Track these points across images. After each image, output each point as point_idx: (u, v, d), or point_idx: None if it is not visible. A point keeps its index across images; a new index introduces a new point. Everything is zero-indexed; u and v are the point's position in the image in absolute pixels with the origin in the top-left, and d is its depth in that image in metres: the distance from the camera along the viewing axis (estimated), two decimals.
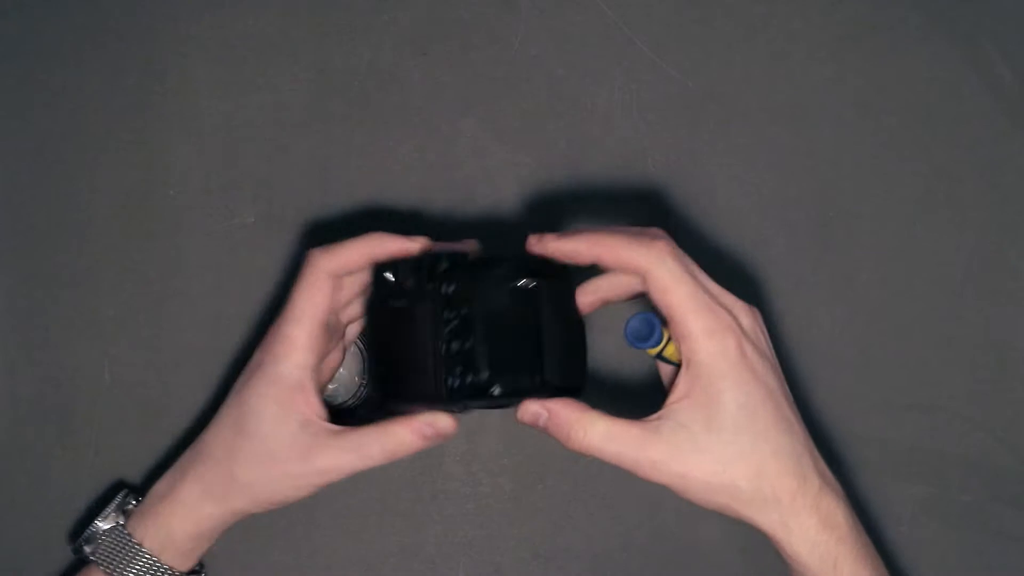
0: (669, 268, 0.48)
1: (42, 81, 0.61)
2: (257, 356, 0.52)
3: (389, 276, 0.52)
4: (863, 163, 0.63)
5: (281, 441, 0.50)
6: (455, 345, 0.52)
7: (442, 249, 0.54)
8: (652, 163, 0.62)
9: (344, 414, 0.58)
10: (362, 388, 0.60)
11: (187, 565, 0.53)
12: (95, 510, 0.56)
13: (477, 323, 0.50)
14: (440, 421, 0.51)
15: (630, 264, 0.49)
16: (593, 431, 0.49)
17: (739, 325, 0.49)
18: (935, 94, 0.63)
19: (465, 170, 0.62)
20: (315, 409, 0.51)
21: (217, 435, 0.52)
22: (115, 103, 0.61)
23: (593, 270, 0.52)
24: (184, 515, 0.51)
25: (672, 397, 0.49)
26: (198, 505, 0.51)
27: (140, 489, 0.56)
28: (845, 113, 0.63)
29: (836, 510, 0.48)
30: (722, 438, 0.48)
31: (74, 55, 0.61)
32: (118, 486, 0.59)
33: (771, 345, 0.51)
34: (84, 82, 0.61)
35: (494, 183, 0.62)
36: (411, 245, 0.52)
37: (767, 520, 0.48)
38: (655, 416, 0.49)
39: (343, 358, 0.56)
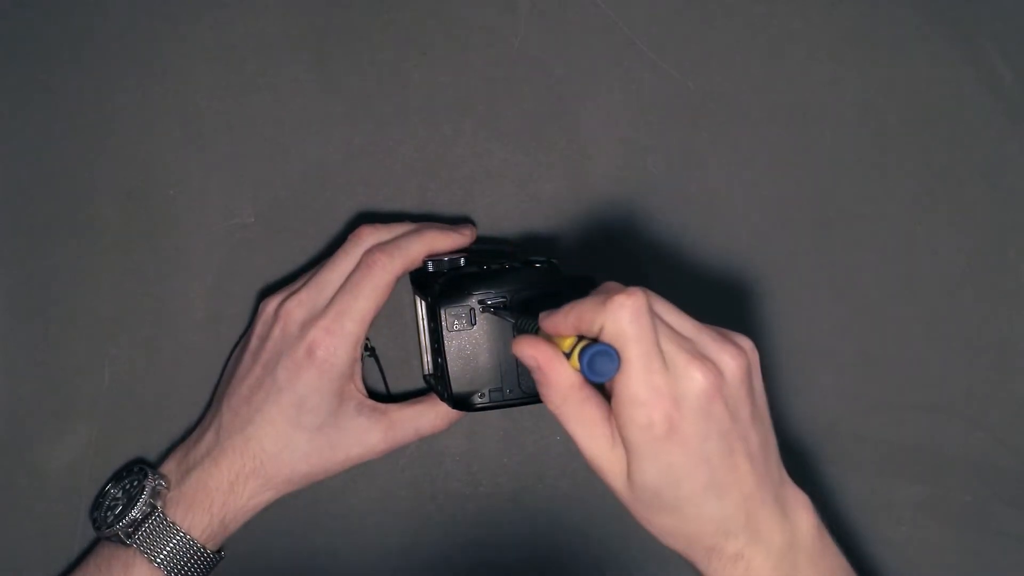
0: (624, 324, 0.44)
1: (42, 81, 0.61)
2: (303, 346, 0.53)
3: (429, 267, 0.55)
4: (863, 163, 0.63)
5: (342, 431, 0.54)
6: (436, 358, 0.54)
7: (438, 252, 0.55)
8: (652, 163, 0.62)
9: None
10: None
11: (219, 545, 0.55)
12: (114, 483, 0.57)
13: (444, 341, 0.51)
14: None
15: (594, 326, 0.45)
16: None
17: (682, 392, 0.44)
18: (935, 94, 0.63)
19: (465, 170, 0.62)
20: (361, 389, 0.56)
21: (267, 429, 0.53)
22: (115, 103, 0.61)
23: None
24: (239, 506, 0.54)
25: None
26: (255, 495, 0.54)
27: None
28: (845, 113, 0.63)
29: (758, 568, 0.46)
30: (642, 495, 0.46)
31: (74, 55, 0.61)
32: (134, 463, 0.59)
33: (753, 392, 0.47)
34: (84, 82, 0.61)
35: (494, 183, 0.62)
36: (463, 241, 0.56)
37: (693, 562, 0.48)
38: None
39: None
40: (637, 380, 0.44)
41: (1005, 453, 0.62)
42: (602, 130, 0.62)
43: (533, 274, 0.53)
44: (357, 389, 0.56)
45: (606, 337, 0.44)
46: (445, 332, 0.52)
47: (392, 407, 0.56)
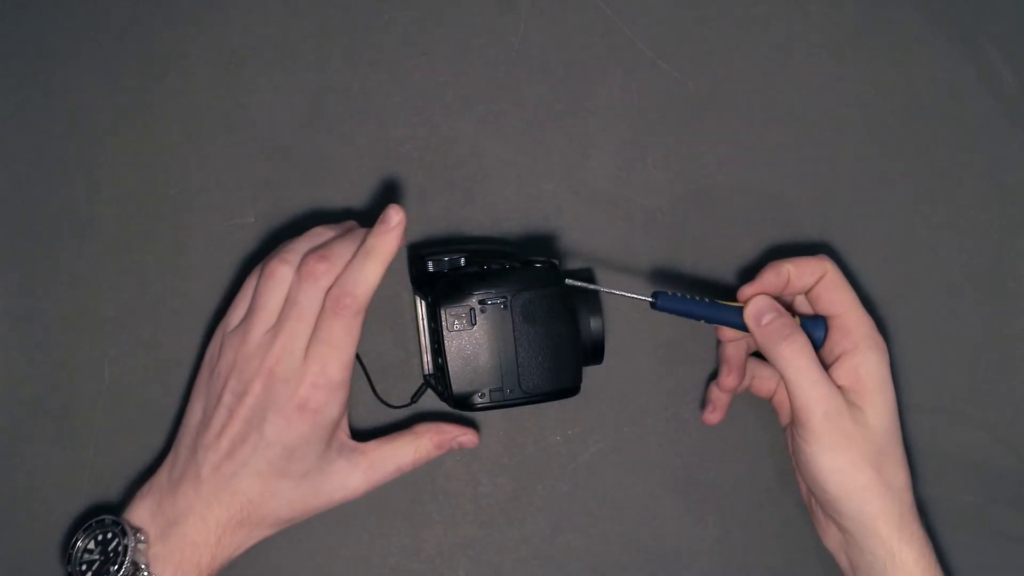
0: (839, 273, 0.56)
1: (42, 81, 0.61)
2: (294, 403, 0.51)
3: (430, 266, 0.54)
4: (863, 163, 0.63)
5: (325, 475, 0.53)
6: (436, 358, 0.53)
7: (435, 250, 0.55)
8: (652, 163, 0.62)
9: None
10: None
11: None
12: (83, 536, 0.52)
13: (444, 341, 0.51)
14: (463, 437, 0.57)
15: (809, 272, 0.55)
16: None
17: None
18: (935, 94, 0.63)
19: (465, 170, 0.62)
20: (345, 429, 0.55)
21: (254, 480, 0.52)
22: (115, 103, 0.61)
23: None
24: (226, 556, 0.52)
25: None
26: (242, 544, 0.53)
27: (116, 508, 0.54)
28: (845, 113, 0.63)
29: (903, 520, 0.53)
30: (869, 436, 0.54)
31: (74, 55, 0.61)
32: (100, 510, 0.56)
33: None
34: (84, 82, 0.61)
35: (494, 183, 0.62)
36: (398, 232, 0.52)
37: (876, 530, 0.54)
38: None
39: None
40: (867, 320, 0.56)
41: (1005, 453, 0.62)
42: (602, 130, 0.62)
43: (533, 274, 0.53)
44: (342, 430, 0.55)
45: (828, 277, 0.55)
46: (445, 332, 0.52)
47: (371, 445, 0.55)
